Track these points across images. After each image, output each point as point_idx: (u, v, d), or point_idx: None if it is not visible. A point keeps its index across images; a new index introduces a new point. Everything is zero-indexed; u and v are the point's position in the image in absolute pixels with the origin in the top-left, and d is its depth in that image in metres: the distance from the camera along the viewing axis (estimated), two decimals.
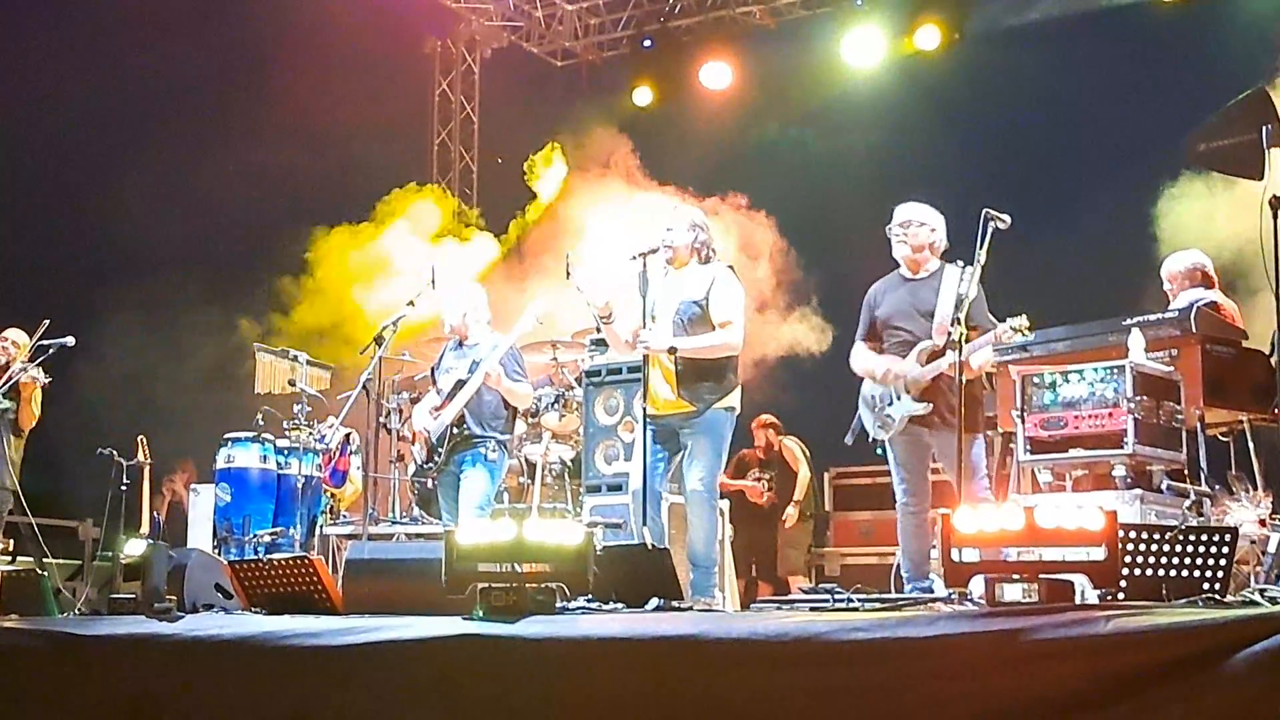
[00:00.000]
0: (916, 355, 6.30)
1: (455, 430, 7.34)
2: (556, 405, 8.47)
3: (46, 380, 8.38)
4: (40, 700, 5.18)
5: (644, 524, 6.15)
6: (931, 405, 6.23)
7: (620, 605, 4.89)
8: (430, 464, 7.46)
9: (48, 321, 8.23)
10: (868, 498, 10.64)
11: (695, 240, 6.58)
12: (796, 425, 10.82)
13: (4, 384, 8.25)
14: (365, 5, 11.76)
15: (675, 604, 5.01)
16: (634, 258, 6.40)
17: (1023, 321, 5.95)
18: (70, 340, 8.19)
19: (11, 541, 8.50)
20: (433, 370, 7.86)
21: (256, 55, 11.50)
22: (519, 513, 7.92)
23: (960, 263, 6.14)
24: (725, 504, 7.05)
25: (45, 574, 6.59)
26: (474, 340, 7.53)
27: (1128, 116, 10.41)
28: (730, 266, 6.69)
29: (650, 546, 5.64)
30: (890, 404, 6.39)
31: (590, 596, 4.78)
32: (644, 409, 6.29)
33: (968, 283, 5.98)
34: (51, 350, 8.17)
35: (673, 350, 6.34)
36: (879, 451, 6.55)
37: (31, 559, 8.23)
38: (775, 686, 3.72)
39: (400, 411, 8.85)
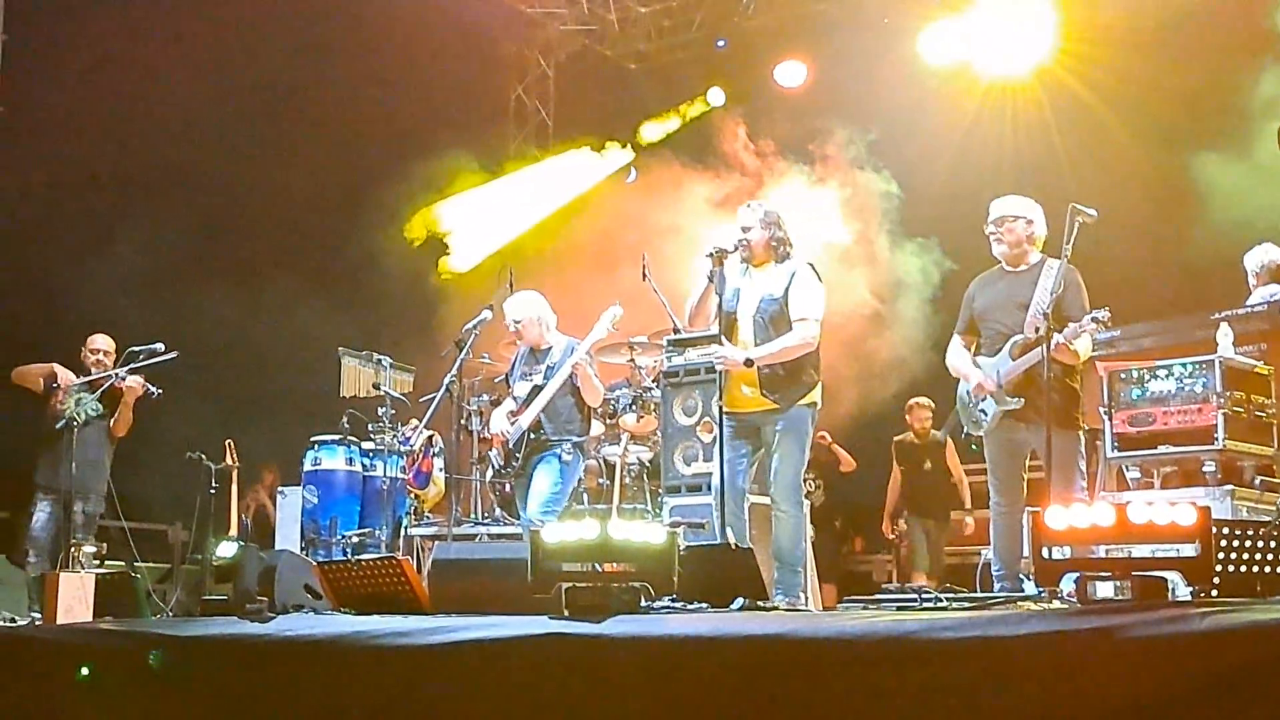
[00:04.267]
0: (1009, 349, 6.19)
1: (532, 436, 7.41)
2: (634, 406, 8.47)
3: (158, 392, 8.40)
4: (136, 701, 5.28)
5: (725, 523, 6.15)
6: (1024, 400, 6.09)
7: (705, 605, 4.89)
8: (508, 469, 7.54)
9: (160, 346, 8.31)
10: None
11: (771, 237, 6.55)
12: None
13: (100, 390, 8.34)
14: (443, 13, 11.85)
15: (761, 604, 5.00)
16: (708, 255, 6.38)
17: (1105, 314, 5.86)
18: (160, 347, 8.27)
19: (104, 545, 8.63)
20: (507, 376, 7.93)
21: (335, 62, 11.65)
22: (600, 513, 7.94)
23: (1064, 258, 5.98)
24: (806, 503, 7.03)
25: (138, 576, 6.72)
26: (546, 345, 7.59)
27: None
28: (811, 264, 6.61)
29: (734, 546, 5.63)
30: (984, 399, 6.29)
31: (675, 596, 4.77)
32: (719, 408, 6.26)
33: (1055, 277, 5.91)
34: (143, 358, 8.26)
35: (749, 363, 6.30)
36: (974, 448, 6.44)
37: (123, 563, 8.36)
38: (864, 686, 3.68)
39: (481, 414, 8.92)
